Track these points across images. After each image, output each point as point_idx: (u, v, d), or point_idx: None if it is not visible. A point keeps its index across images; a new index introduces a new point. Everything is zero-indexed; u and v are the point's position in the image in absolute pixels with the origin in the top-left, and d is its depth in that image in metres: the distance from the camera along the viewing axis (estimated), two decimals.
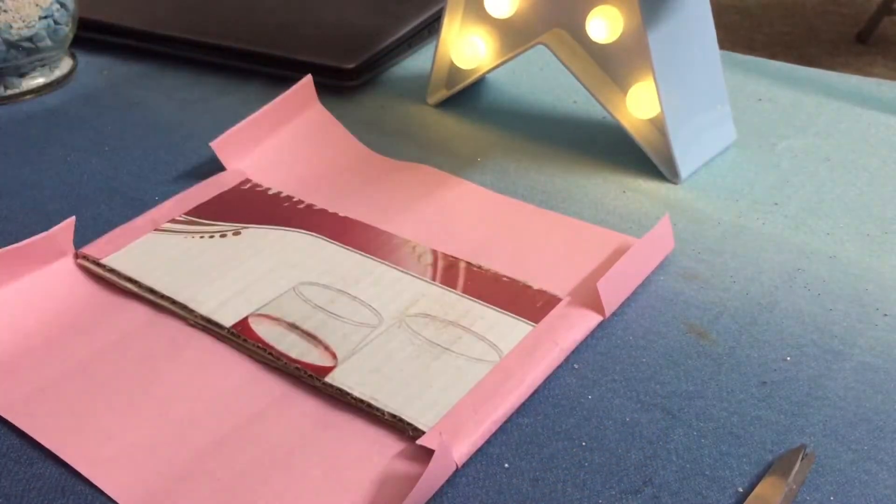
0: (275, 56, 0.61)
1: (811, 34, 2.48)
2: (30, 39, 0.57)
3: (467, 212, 0.47)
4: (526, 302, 0.39)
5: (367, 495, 0.31)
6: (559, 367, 0.37)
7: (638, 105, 0.50)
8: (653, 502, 0.31)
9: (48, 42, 0.59)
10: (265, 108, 0.51)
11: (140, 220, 0.44)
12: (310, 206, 0.46)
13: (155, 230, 0.44)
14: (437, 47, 0.56)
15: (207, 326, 0.38)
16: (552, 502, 0.31)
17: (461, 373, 0.35)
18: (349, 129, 0.55)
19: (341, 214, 0.45)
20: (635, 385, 0.36)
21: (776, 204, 0.48)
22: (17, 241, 0.45)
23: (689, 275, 0.42)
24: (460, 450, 0.32)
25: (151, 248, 0.42)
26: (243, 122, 0.50)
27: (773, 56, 0.72)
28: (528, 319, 0.38)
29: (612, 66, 0.50)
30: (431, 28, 0.66)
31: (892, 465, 0.32)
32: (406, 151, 0.53)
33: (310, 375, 0.35)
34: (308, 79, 0.53)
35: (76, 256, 0.42)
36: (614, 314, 0.40)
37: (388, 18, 0.64)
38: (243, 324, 0.38)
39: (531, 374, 0.36)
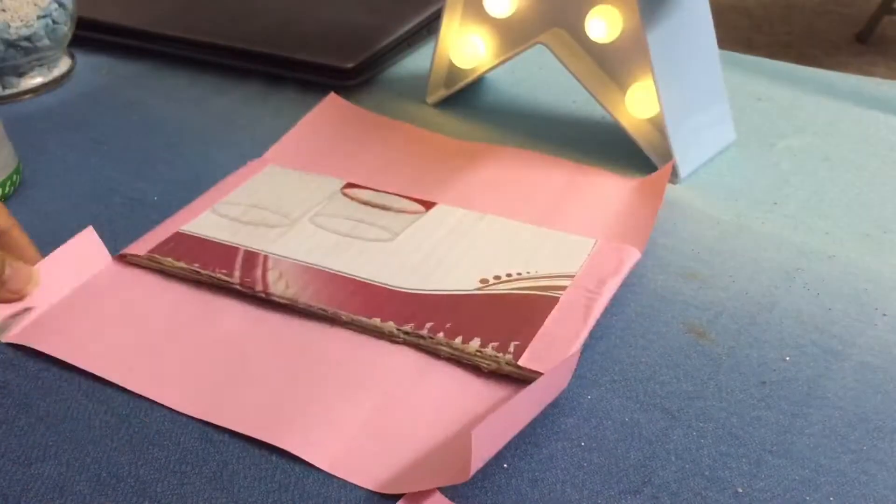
0: (273, 55, 0.61)
1: (811, 34, 2.48)
2: (28, 39, 0.57)
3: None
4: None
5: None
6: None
7: (637, 104, 0.49)
8: (652, 502, 0.31)
9: (46, 41, 0.59)
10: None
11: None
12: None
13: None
14: (436, 47, 0.56)
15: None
16: (551, 502, 0.31)
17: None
18: None
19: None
20: (634, 385, 0.36)
21: (775, 203, 0.48)
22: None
23: (688, 274, 0.42)
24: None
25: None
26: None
27: (772, 56, 0.72)
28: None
29: (612, 65, 0.50)
30: (431, 27, 0.66)
31: (892, 466, 0.32)
32: None
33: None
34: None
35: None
36: (614, 314, 0.40)
37: (387, 18, 0.64)
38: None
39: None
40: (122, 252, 0.43)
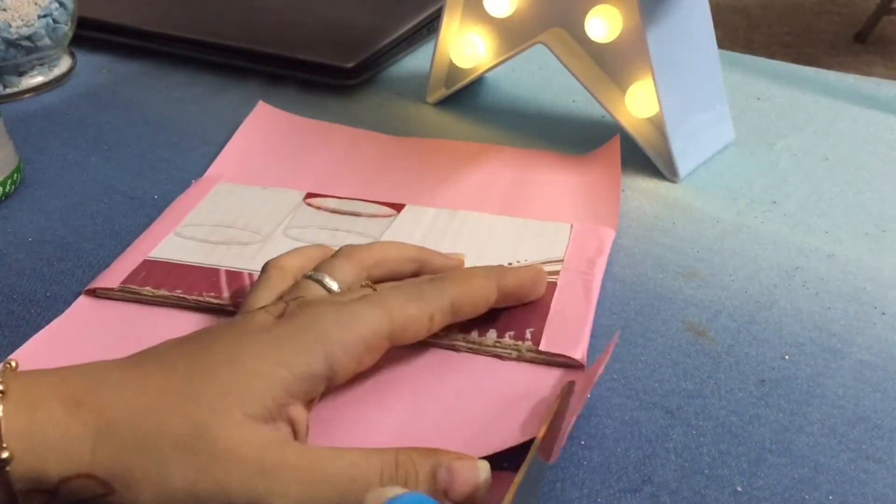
0: (274, 54, 0.61)
1: (810, 34, 2.49)
2: (29, 38, 0.57)
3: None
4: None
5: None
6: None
7: (637, 104, 0.50)
8: (652, 501, 0.31)
9: (47, 41, 0.59)
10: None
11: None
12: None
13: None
14: (436, 46, 0.56)
15: None
16: (551, 501, 0.31)
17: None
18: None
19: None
20: (634, 383, 0.36)
21: (774, 202, 0.48)
22: (16, 240, 0.45)
23: (687, 273, 0.42)
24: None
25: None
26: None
27: (771, 55, 0.72)
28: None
29: (611, 65, 0.50)
30: (431, 27, 0.66)
31: (891, 464, 0.33)
32: None
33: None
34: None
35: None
36: (614, 313, 0.40)
37: (388, 17, 0.64)
38: None
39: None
40: (90, 287, 0.40)
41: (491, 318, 0.37)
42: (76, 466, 0.26)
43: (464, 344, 0.36)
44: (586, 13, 0.49)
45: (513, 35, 0.53)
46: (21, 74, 0.60)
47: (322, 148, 0.52)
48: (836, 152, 0.53)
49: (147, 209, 0.47)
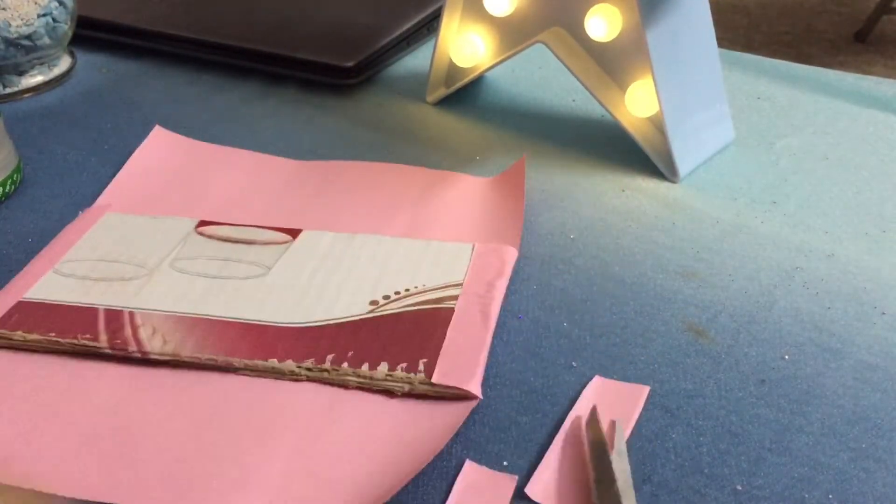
0: (274, 54, 0.61)
1: (810, 33, 2.49)
2: (28, 37, 0.57)
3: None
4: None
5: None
6: (559, 365, 0.37)
7: (637, 103, 0.50)
8: (651, 500, 0.31)
9: (47, 40, 0.59)
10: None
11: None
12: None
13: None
14: (436, 45, 0.56)
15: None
16: None
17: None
18: (348, 128, 0.55)
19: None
20: (634, 383, 0.36)
21: (774, 202, 0.48)
22: (16, 240, 0.45)
23: (687, 273, 0.42)
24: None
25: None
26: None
27: (771, 55, 0.72)
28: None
29: (611, 64, 0.50)
30: (430, 26, 0.66)
31: (891, 464, 0.33)
32: (405, 150, 0.53)
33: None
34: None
35: None
36: (614, 313, 0.40)
37: (388, 16, 0.64)
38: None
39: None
40: None
41: (383, 348, 0.36)
42: None
43: (354, 379, 0.35)
44: (586, 12, 0.49)
45: (513, 34, 0.53)
46: (21, 74, 0.60)
47: (222, 174, 0.49)
48: (835, 152, 0.53)
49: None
